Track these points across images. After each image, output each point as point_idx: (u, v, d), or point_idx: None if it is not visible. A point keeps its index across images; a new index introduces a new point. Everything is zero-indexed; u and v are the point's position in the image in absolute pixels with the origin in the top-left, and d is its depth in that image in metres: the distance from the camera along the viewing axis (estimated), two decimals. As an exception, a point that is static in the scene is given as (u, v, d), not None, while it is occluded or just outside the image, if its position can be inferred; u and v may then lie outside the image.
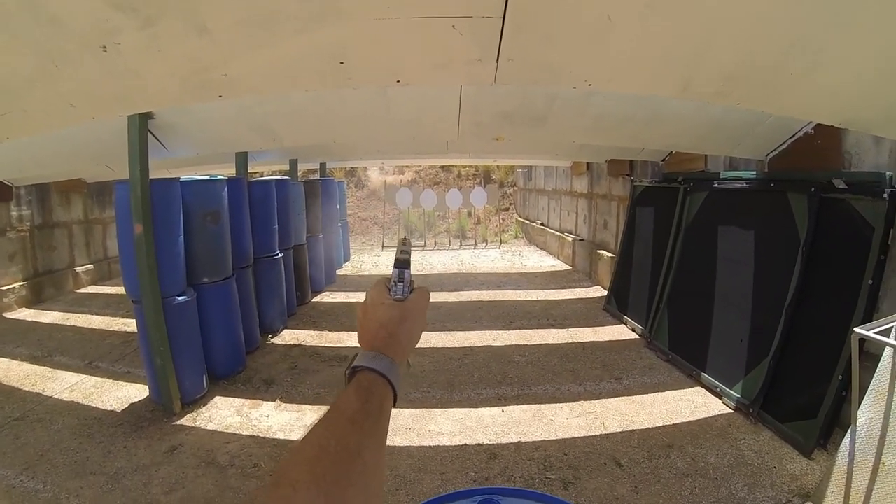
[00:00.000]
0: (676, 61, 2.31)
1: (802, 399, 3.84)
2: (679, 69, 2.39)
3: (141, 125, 3.99)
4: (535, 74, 2.56)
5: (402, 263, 0.89)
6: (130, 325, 5.81)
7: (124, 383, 4.85)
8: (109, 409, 4.36)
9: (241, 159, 6.20)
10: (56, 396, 4.58)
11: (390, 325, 0.82)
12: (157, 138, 4.42)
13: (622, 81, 2.70)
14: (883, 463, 2.61)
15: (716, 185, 5.38)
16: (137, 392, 4.63)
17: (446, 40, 1.97)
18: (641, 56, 2.27)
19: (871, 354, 3.09)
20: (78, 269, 8.94)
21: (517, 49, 2.10)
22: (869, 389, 2.75)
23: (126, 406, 4.40)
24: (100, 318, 6.96)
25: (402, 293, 0.86)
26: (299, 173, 9.06)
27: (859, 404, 2.76)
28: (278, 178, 7.29)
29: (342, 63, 2.21)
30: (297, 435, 4.00)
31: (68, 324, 6.80)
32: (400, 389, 0.75)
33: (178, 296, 4.36)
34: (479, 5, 1.78)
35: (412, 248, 0.96)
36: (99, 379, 4.95)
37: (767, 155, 4.92)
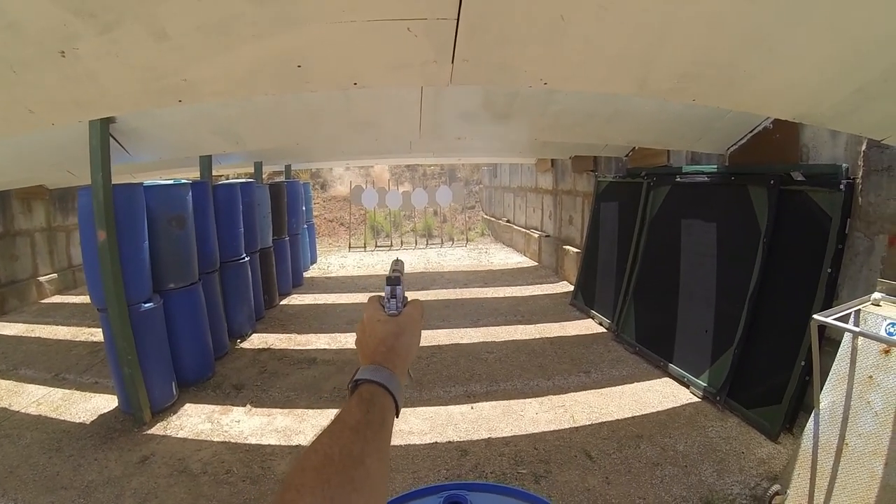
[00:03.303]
0: (632, 59, 2.36)
1: (767, 385, 3.95)
2: (634, 67, 2.44)
3: (102, 130, 3.92)
4: (490, 74, 2.59)
5: (394, 280, 0.92)
6: (97, 334, 5.71)
7: (92, 394, 4.76)
8: (78, 421, 4.28)
9: (205, 163, 6.13)
10: (23, 411, 4.48)
11: (388, 340, 0.85)
12: (119, 143, 4.35)
13: (578, 80, 2.75)
14: (846, 444, 2.69)
15: (678, 179, 5.49)
16: (106, 403, 4.56)
17: (402, 43, 1.99)
18: (596, 55, 2.31)
19: (832, 340, 3.20)
20: (42, 278, 8.72)
21: (472, 50, 2.13)
22: (830, 374, 2.83)
23: (95, 417, 4.33)
24: (66, 329, 6.82)
25: (397, 308, 0.90)
26: (264, 176, 8.99)
27: (821, 388, 2.84)
28: (243, 181, 7.22)
29: (300, 67, 2.21)
30: (268, 439, 3.99)
31: (33, 335, 6.65)
32: (401, 399, 0.78)
33: (145, 303, 4.30)
34: (434, 8, 1.80)
35: (404, 270, 1.02)
36: (66, 391, 4.85)
37: (728, 149, 5.03)
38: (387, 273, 0.95)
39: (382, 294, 0.93)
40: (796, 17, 1.97)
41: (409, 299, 0.94)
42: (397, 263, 1.01)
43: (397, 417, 0.76)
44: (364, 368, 0.79)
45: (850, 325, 2.64)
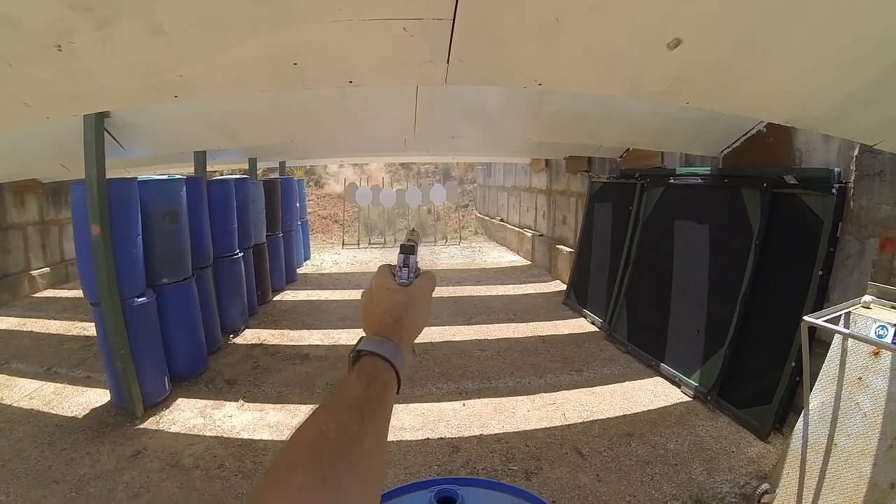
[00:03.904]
0: (625, 62, 2.37)
1: (758, 386, 3.98)
2: (628, 70, 2.46)
3: (97, 124, 3.91)
4: (485, 75, 2.59)
5: (408, 249, 0.87)
6: (89, 328, 5.70)
7: (85, 388, 4.75)
8: (70, 415, 4.27)
9: (200, 158, 6.12)
10: (15, 405, 4.47)
11: (396, 310, 0.79)
12: (113, 137, 4.34)
13: (572, 81, 2.76)
14: (835, 444, 2.72)
15: (672, 180, 5.51)
16: (98, 397, 4.55)
17: (398, 42, 1.99)
18: (590, 57, 2.32)
19: (822, 342, 3.23)
20: (34, 272, 8.68)
21: (467, 50, 2.13)
22: (820, 375, 2.86)
23: (87, 412, 4.32)
24: (58, 323, 6.81)
25: (408, 278, 0.85)
26: (259, 172, 8.98)
27: (811, 389, 2.87)
28: (237, 177, 7.21)
29: (296, 64, 2.22)
30: (261, 434, 3.99)
31: (25, 329, 6.62)
32: (404, 376, 0.73)
33: (138, 297, 4.29)
34: (430, 8, 1.81)
35: (420, 241, 0.96)
36: (59, 385, 4.84)
37: (722, 151, 5.06)
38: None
39: (393, 263, 0.88)
40: (789, 22, 1.98)
41: (421, 270, 0.88)
42: (413, 233, 0.95)
43: (398, 394, 0.72)
44: (368, 339, 0.74)
45: (840, 327, 2.67)
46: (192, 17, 1.92)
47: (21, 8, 1.83)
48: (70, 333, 6.41)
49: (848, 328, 2.67)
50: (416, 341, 0.85)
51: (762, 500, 3.01)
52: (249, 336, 6.38)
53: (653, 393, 4.65)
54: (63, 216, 9.31)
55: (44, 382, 4.91)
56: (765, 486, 3.05)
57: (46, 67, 2.20)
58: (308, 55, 2.21)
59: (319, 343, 6.11)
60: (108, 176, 4.00)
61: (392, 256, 1.00)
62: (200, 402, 4.53)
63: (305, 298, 8.46)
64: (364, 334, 0.78)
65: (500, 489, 1.34)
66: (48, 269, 9.01)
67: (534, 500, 1.28)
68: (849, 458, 2.65)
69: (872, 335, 2.54)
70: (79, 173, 4.18)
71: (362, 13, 1.84)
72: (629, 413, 4.28)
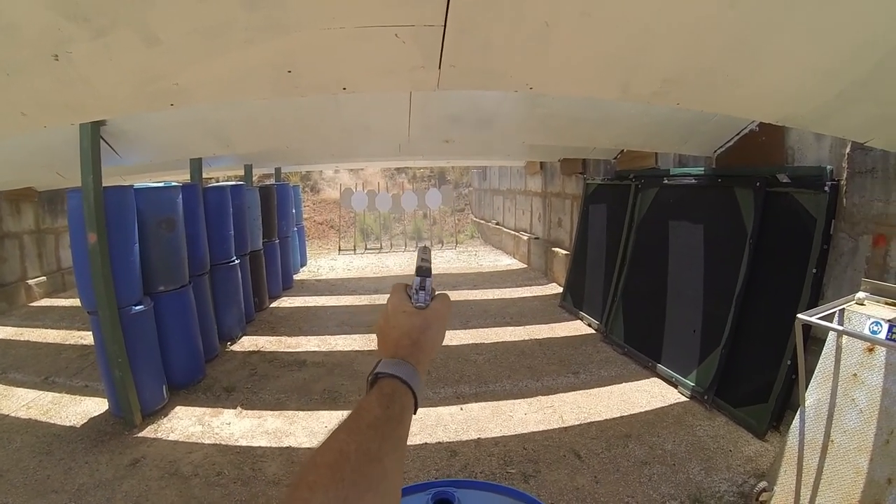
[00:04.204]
0: (615, 65, 2.40)
1: (754, 384, 4.00)
2: (617, 72, 2.48)
3: (93, 132, 3.91)
4: (477, 80, 2.62)
5: (424, 272, 0.88)
6: (87, 337, 5.69)
7: (83, 397, 4.74)
8: (69, 424, 4.26)
9: (196, 165, 6.13)
10: (13, 415, 4.46)
11: (413, 333, 0.81)
12: (109, 145, 4.34)
13: (563, 85, 2.78)
14: (832, 441, 2.73)
15: (666, 181, 5.54)
16: (96, 406, 4.55)
17: (390, 48, 2.02)
18: (580, 60, 2.34)
19: (817, 339, 3.25)
20: (30, 281, 8.65)
21: (459, 55, 2.16)
22: (815, 372, 2.87)
23: (85, 421, 4.31)
24: (55, 332, 6.78)
25: (424, 301, 0.85)
26: (254, 178, 8.99)
27: (807, 387, 2.89)
28: (233, 183, 7.22)
29: (290, 72, 2.24)
30: (259, 441, 4.00)
31: (22, 339, 6.60)
32: (421, 397, 0.75)
33: (135, 305, 4.29)
34: (421, 14, 1.83)
35: (432, 256, 0.95)
36: (56, 394, 4.83)
37: (715, 151, 5.09)
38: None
39: (407, 283, 0.89)
40: (777, 23, 2.01)
41: (436, 292, 0.89)
42: (425, 251, 0.94)
43: (415, 414, 0.74)
44: (386, 361, 0.76)
45: (834, 324, 2.69)
46: (187, 26, 1.93)
47: (18, 18, 1.84)
48: (67, 342, 6.39)
49: (842, 325, 2.69)
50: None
51: (760, 499, 3.02)
52: (247, 343, 6.38)
53: (650, 394, 4.67)
54: (59, 224, 9.28)
55: (41, 392, 4.90)
56: (762, 484, 3.06)
57: (43, 77, 2.21)
58: (302, 63, 2.23)
59: (317, 349, 6.11)
60: (104, 184, 4.01)
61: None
62: (198, 410, 4.53)
63: (302, 305, 8.46)
64: (381, 356, 0.79)
65: (496, 491, 1.35)
66: (45, 277, 8.99)
67: (529, 501, 1.29)
68: (846, 455, 2.67)
69: (867, 332, 2.55)
70: (75, 181, 4.19)
71: (355, 21, 1.87)
72: (626, 414, 4.29)
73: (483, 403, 4.58)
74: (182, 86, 2.39)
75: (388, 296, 0.88)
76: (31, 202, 8.74)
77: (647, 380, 4.97)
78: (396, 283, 0.89)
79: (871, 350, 2.63)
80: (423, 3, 1.80)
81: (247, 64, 2.18)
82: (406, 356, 0.77)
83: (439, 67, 2.25)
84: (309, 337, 6.57)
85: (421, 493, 1.28)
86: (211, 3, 1.81)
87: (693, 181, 5.15)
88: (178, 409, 4.55)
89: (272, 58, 2.15)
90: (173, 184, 5.25)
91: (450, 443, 3.94)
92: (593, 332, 6.51)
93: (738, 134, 4.78)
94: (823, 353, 2.87)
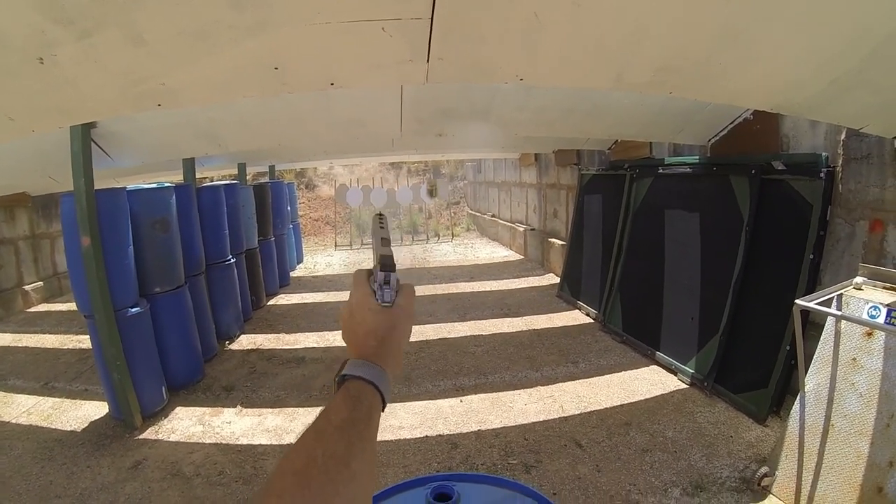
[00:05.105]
0: (607, 55, 2.38)
1: (754, 370, 4.01)
2: (610, 62, 2.47)
3: (84, 135, 3.89)
4: (466, 73, 2.61)
5: (388, 265, 0.81)
6: (85, 341, 5.67)
7: (83, 402, 4.74)
8: (69, 429, 4.26)
9: (188, 165, 6.11)
10: (13, 421, 4.44)
11: (379, 332, 0.78)
12: (100, 148, 4.32)
13: (554, 76, 2.77)
14: (832, 425, 2.75)
15: (661, 170, 5.53)
16: (97, 409, 4.54)
17: (377, 43, 2.00)
18: (571, 51, 2.33)
19: (816, 324, 3.25)
20: (27, 287, 8.61)
21: (447, 49, 2.14)
22: (815, 357, 2.88)
23: (86, 425, 4.31)
24: (53, 337, 6.77)
25: (391, 298, 0.80)
26: (248, 177, 8.96)
27: (806, 372, 2.90)
28: (227, 182, 7.20)
29: (276, 69, 2.22)
30: (260, 439, 4.00)
31: (20, 345, 6.59)
32: (388, 396, 0.73)
33: (131, 308, 4.28)
34: (408, 8, 1.81)
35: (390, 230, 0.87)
36: (56, 399, 4.82)
37: (709, 140, 5.08)
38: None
39: (369, 269, 0.84)
40: (771, 12, 2.00)
41: (400, 284, 0.82)
42: (381, 219, 0.89)
43: (383, 412, 0.72)
44: (352, 363, 0.74)
45: (832, 310, 2.69)
46: (173, 27, 1.91)
47: (3, 22, 1.82)
48: (66, 347, 6.37)
49: (840, 310, 2.69)
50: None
51: (762, 483, 3.03)
52: (245, 341, 6.38)
53: (649, 382, 4.68)
54: (54, 229, 9.24)
55: (41, 397, 4.88)
56: (764, 469, 3.07)
57: (29, 80, 2.19)
58: (288, 59, 2.21)
59: (315, 345, 6.11)
60: (96, 186, 3.98)
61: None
62: (199, 410, 4.53)
63: (299, 301, 8.46)
64: (348, 355, 0.78)
65: (496, 483, 1.35)
66: (41, 283, 8.96)
67: (528, 493, 1.28)
68: (846, 439, 2.68)
69: (865, 316, 2.56)
70: (68, 185, 4.16)
71: (340, 15, 1.85)
72: (626, 402, 4.30)
73: (483, 395, 4.58)
74: (169, 86, 2.37)
75: (351, 286, 0.84)
76: (25, 207, 8.70)
77: (646, 368, 4.98)
78: (358, 271, 0.86)
79: (869, 334, 2.64)
80: (409, -5, 1.79)
81: (234, 63, 2.16)
82: (372, 356, 0.76)
83: (427, 61, 2.24)
84: (307, 333, 6.57)
85: (420, 488, 1.28)
86: (196, 3, 1.79)
87: (688, 170, 5.15)
88: (178, 409, 4.54)
89: (258, 55, 2.13)
90: (167, 184, 5.23)
91: (450, 435, 3.94)
92: (591, 321, 6.52)
93: (732, 122, 4.77)
94: (822, 338, 2.88)
